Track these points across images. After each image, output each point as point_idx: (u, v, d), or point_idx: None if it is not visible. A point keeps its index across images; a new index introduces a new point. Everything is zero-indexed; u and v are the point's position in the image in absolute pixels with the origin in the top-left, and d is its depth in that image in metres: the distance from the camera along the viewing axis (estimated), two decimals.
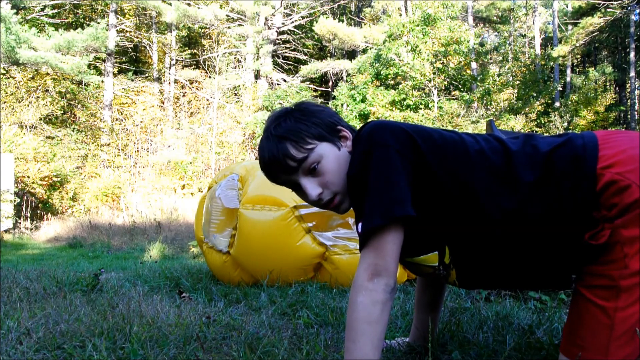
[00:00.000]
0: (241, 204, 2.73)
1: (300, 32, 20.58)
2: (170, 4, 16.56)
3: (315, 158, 1.13)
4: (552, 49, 17.29)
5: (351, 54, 20.30)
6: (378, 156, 1.05)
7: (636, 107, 18.11)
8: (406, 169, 1.05)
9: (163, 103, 18.82)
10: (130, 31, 18.66)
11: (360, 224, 1.08)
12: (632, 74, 17.79)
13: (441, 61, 15.58)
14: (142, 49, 20.55)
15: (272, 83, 18.61)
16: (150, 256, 6.18)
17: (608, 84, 21.74)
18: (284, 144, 1.13)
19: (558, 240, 1.04)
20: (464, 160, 1.09)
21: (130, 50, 20.27)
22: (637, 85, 18.56)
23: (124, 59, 19.74)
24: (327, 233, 2.65)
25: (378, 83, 16.56)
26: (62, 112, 16.16)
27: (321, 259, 2.66)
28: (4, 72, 14.42)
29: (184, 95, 19.18)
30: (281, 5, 18.33)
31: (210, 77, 18.30)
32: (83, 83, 16.70)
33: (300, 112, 1.18)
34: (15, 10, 13.71)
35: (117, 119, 16.97)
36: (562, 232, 1.03)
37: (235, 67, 18.86)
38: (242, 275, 2.79)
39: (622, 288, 0.96)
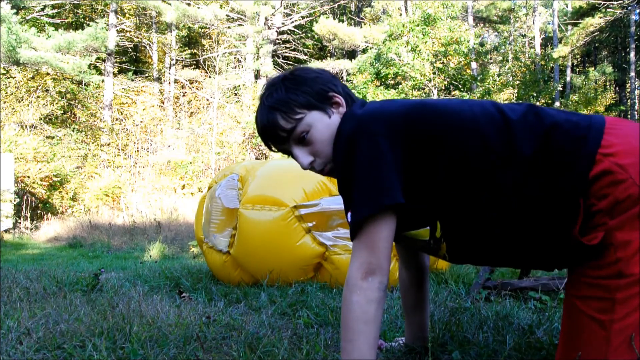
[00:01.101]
0: (241, 204, 2.73)
1: (300, 32, 20.58)
2: (170, 4, 16.55)
3: (304, 127, 1.13)
4: (552, 49, 17.29)
5: (351, 54, 20.30)
6: (364, 144, 1.03)
7: (636, 107, 18.11)
8: (395, 154, 1.03)
9: (163, 103, 18.81)
10: (130, 31, 18.65)
11: (349, 214, 1.07)
12: (632, 74, 17.79)
13: (441, 61, 15.58)
14: (142, 49, 20.55)
15: None
16: (150, 256, 6.18)
17: (608, 84, 21.73)
18: (274, 115, 1.14)
19: (544, 222, 1.00)
20: (463, 137, 1.05)
21: (130, 50, 20.26)
22: (637, 85, 18.56)
23: (124, 59, 19.73)
24: (327, 233, 2.65)
25: (378, 83, 16.56)
26: (62, 112, 16.15)
27: (321, 258, 2.66)
28: (4, 72, 14.42)
29: (184, 95, 19.17)
30: (281, 5, 18.32)
31: (210, 77, 18.29)
32: (83, 83, 16.69)
33: (292, 80, 1.17)
34: (15, 10, 13.71)
35: (117, 119, 16.96)
36: (548, 214, 0.99)
37: (235, 67, 18.85)
38: (242, 275, 2.79)
39: (617, 300, 0.92)
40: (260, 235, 2.64)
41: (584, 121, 1.02)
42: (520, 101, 16.06)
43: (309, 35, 20.69)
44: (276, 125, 1.14)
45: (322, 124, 1.14)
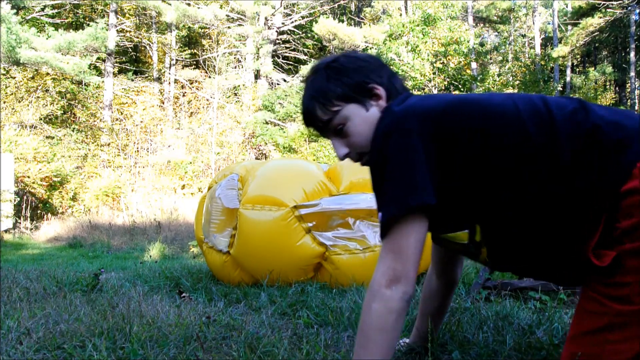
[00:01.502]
0: (241, 204, 2.73)
1: (300, 32, 20.58)
2: (170, 4, 16.55)
3: (341, 120, 1.13)
4: (552, 49, 17.29)
5: None
6: (396, 141, 1.00)
7: (636, 107, 18.11)
8: (428, 152, 0.99)
9: (163, 103, 18.81)
10: (130, 31, 18.65)
11: (380, 214, 1.03)
12: (632, 74, 17.79)
13: (441, 61, 15.58)
14: (142, 49, 20.55)
15: (272, 83, 18.60)
16: (150, 256, 6.18)
17: (608, 84, 21.73)
18: (313, 104, 1.14)
19: (562, 229, 0.95)
20: (502, 132, 0.99)
21: (130, 50, 20.26)
22: (637, 85, 18.56)
23: (124, 59, 19.73)
24: (327, 233, 2.65)
25: None
26: (62, 112, 16.15)
27: (321, 259, 2.66)
28: (4, 72, 14.42)
29: (184, 95, 19.17)
30: (281, 5, 18.32)
31: (210, 77, 18.29)
32: (83, 83, 16.69)
33: (334, 69, 1.15)
34: (15, 10, 13.71)
35: (117, 119, 16.96)
36: (568, 222, 0.94)
37: (235, 67, 18.85)
38: (242, 275, 2.79)
39: (616, 324, 0.89)
40: (260, 235, 2.64)
41: (632, 124, 0.94)
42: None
43: (309, 35, 20.69)
44: (314, 115, 1.15)
45: (359, 118, 1.13)
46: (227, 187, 2.94)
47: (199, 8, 17.18)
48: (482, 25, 23.14)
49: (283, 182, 2.79)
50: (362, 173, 2.92)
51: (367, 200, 2.67)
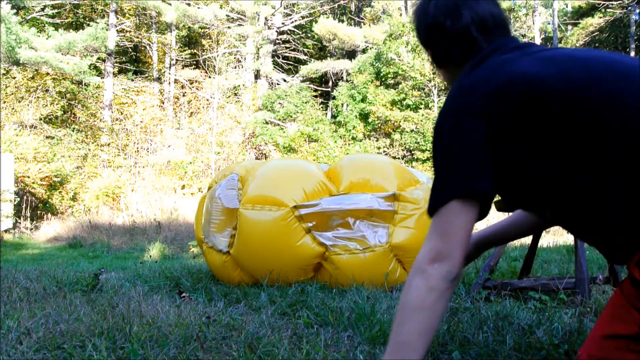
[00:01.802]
0: (241, 204, 2.74)
1: (300, 32, 20.58)
2: (170, 4, 16.56)
3: (434, 61, 1.14)
4: None
5: (351, 54, 20.30)
6: (450, 122, 0.95)
7: None
8: (487, 137, 0.91)
9: (163, 103, 18.81)
10: (130, 31, 18.65)
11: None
12: None
13: None
14: (142, 49, 20.55)
15: (272, 83, 18.61)
16: (150, 256, 6.18)
17: None
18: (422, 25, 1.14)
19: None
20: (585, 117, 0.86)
21: (130, 50, 20.26)
22: None
23: (124, 59, 19.73)
24: (327, 233, 2.65)
25: (378, 82, 16.57)
26: (62, 112, 16.16)
27: (321, 259, 2.66)
28: (4, 72, 14.42)
29: (184, 95, 19.17)
30: (281, 5, 18.32)
31: (210, 77, 18.29)
32: (83, 83, 16.70)
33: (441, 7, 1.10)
34: (15, 10, 13.71)
35: (117, 119, 16.96)
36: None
37: (235, 67, 18.85)
38: (242, 275, 2.79)
39: None
40: (260, 235, 2.64)
41: None
42: None
43: (309, 35, 20.70)
44: (419, 36, 1.15)
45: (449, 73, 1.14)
46: (227, 187, 2.94)
47: (199, 8, 17.19)
48: None
49: (283, 182, 2.79)
50: (362, 173, 2.92)
51: (367, 200, 2.67)
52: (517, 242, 7.77)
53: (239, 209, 2.72)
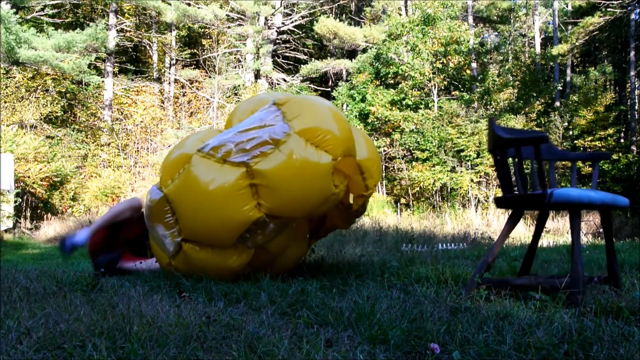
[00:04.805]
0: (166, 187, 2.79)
1: (300, 32, 20.58)
2: (170, 4, 16.55)
3: None
4: (552, 48, 17.28)
5: (351, 54, 20.30)
6: None
7: (636, 107, 18.10)
8: None
9: (163, 103, 18.81)
10: (130, 31, 18.65)
11: None
12: (632, 73, 17.78)
13: (441, 61, 15.58)
14: (142, 48, 20.55)
15: (272, 83, 18.61)
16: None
17: (608, 83, 21.71)
18: None
19: None
20: None
21: (130, 50, 20.26)
22: (637, 85, 18.56)
23: (124, 58, 19.73)
24: (238, 155, 2.64)
25: (378, 82, 16.56)
26: (62, 112, 16.16)
27: (249, 178, 2.62)
28: (4, 72, 14.42)
29: (184, 95, 19.18)
30: (281, 5, 18.32)
31: (210, 77, 18.29)
32: (83, 83, 16.70)
33: None
34: (15, 10, 13.71)
35: (117, 119, 16.96)
36: None
37: (235, 67, 18.85)
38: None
39: None
40: (196, 194, 2.69)
41: None
42: (521, 101, 16.03)
43: (309, 35, 20.69)
44: None
45: None
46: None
47: (199, 8, 17.18)
48: (482, 25, 23.14)
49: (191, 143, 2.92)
50: (247, 114, 2.95)
51: (256, 117, 2.72)
52: (517, 242, 7.76)
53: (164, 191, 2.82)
